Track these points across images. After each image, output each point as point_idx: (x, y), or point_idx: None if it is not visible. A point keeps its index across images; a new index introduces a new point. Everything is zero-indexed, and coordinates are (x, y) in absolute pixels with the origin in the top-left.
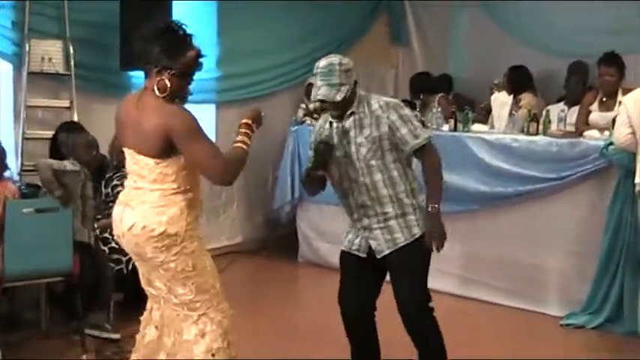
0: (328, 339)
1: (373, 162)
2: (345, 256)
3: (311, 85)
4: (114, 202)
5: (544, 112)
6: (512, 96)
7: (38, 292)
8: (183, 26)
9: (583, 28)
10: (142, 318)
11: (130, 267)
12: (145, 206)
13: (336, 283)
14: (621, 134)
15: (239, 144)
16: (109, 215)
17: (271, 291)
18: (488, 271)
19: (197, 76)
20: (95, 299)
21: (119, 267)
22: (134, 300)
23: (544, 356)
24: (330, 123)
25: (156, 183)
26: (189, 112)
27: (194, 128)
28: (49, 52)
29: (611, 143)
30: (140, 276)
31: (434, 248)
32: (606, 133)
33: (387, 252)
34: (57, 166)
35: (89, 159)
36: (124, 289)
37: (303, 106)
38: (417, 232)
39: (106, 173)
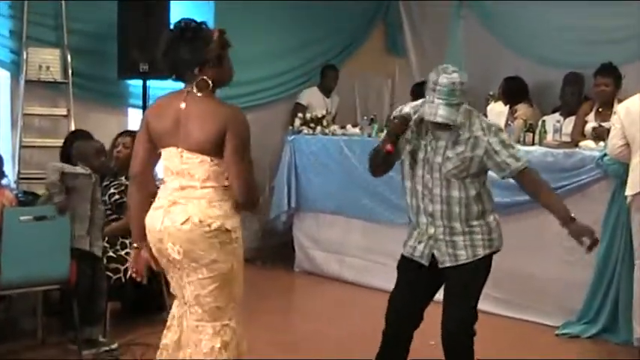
0: (325, 348)
1: (454, 179)
2: (405, 261)
3: (299, 104)
4: (111, 209)
5: (540, 123)
6: (508, 106)
7: (35, 301)
8: (189, 20)
9: (578, 40)
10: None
11: (128, 276)
12: (200, 201)
13: (331, 291)
14: (615, 145)
15: None
16: (107, 222)
17: (267, 300)
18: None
19: None
20: (90, 312)
21: (117, 276)
22: (131, 309)
23: None
24: (422, 120)
25: (209, 180)
26: (244, 116)
27: (247, 140)
28: (47, 61)
29: (606, 154)
30: (171, 281)
31: (587, 245)
32: (601, 143)
33: (448, 264)
34: (69, 169)
35: (99, 165)
36: (121, 297)
37: (300, 115)
38: (480, 252)
39: (104, 180)
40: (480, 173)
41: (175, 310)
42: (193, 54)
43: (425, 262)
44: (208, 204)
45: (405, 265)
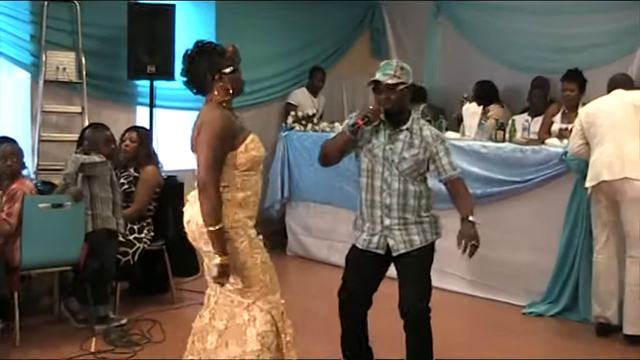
0: (315, 323)
1: (408, 177)
2: (355, 252)
3: (289, 104)
4: (121, 198)
5: (510, 122)
6: (481, 107)
7: (52, 280)
8: (204, 40)
9: (545, 47)
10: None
11: (136, 258)
12: (197, 204)
13: (320, 273)
14: (575, 145)
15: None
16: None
17: None
18: (459, 264)
19: None
20: (100, 292)
21: (126, 258)
22: (138, 289)
23: (508, 341)
24: (380, 122)
25: None
26: (223, 116)
27: (209, 129)
28: (63, 63)
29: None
30: (204, 264)
31: (464, 249)
32: (565, 141)
33: (402, 251)
34: (87, 160)
35: (109, 152)
36: (129, 278)
37: (293, 113)
38: (429, 237)
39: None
40: (425, 173)
41: (209, 290)
42: (210, 67)
43: (381, 251)
44: None
45: (357, 255)
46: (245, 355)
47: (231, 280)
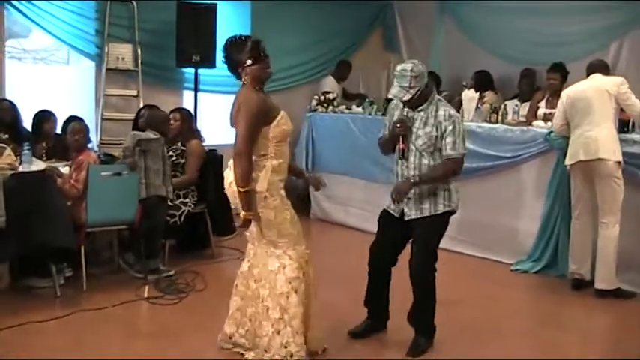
0: (334, 276)
1: (424, 151)
2: (384, 214)
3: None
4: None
5: (502, 106)
6: (478, 93)
7: (111, 237)
8: (239, 35)
9: (533, 42)
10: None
11: (182, 219)
12: None
13: (340, 235)
14: (557, 124)
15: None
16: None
17: None
18: (457, 228)
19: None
20: (152, 248)
21: (173, 220)
22: (184, 245)
23: (498, 293)
24: (403, 107)
25: None
26: (257, 99)
27: (245, 109)
28: (122, 53)
29: (552, 132)
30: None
31: (392, 197)
32: (549, 123)
33: (413, 217)
34: (143, 136)
35: (166, 130)
36: (176, 236)
37: (316, 97)
38: (440, 209)
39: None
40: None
41: (249, 244)
42: (240, 56)
43: (397, 215)
44: None
45: (385, 216)
46: (276, 296)
47: (267, 232)
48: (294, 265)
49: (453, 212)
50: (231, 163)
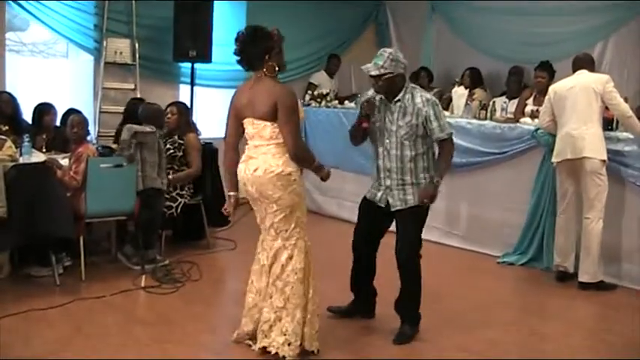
0: (327, 267)
1: (406, 141)
2: (366, 202)
3: (311, 83)
4: (167, 161)
5: (491, 103)
6: (467, 90)
7: (109, 227)
8: (254, 26)
9: (521, 42)
10: (258, 244)
11: (179, 211)
12: (266, 155)
13: (330, 227)
14: (544, 120)
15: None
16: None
17: None
18: (446, 221)
19: (231, 67)
20: (149, 238)
21: (170, 211)
22: (180, 235)
23: (485, 284)
24: (381, 99)
25: (272, 139)
26: (292, 93)
27: (291, 108)
28: (120, 48)
29: (539, 128)
30: (256, 214)
31: (423, 202)
32: (536, 120)
33: (398, 207)
34: (140, 128)
35: (161, 123)
36: (173, 227)
37: (310, 92)
38: None
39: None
40: (424, 136)
41: (262, 234)
42: (262, 47)
43: (382, 205)
44: (272, 156)
45: (366, 204)
46: (284, 286)
47: (281, 224)
48: (301, 257)
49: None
50: (254, 152)
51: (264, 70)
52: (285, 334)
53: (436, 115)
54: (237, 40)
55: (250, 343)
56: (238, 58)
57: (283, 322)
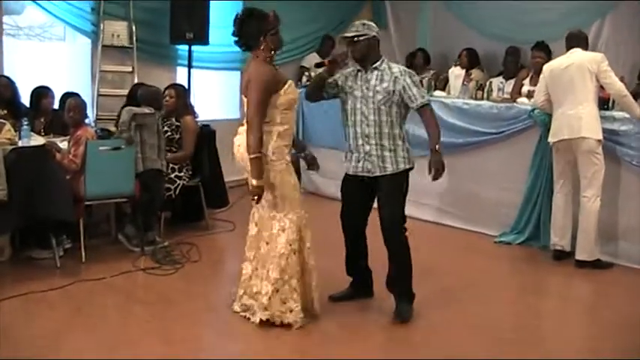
0: (325, 246)
1: (383, 107)
2: (348, 180)
3: (303, 67)
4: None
5: (488, 84)
6: (464, 70)
7: (109, 209)
8: (250, 7)
9: (518, 22)
10: (250, 218)
11: (177, 193)
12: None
13: (329, 207)
14: (539, 99)
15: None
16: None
17: None
18: (443, 200)
19: (227, 49)
20: (149, 220)
21: (169, 193)
22: (179, 217)
23: (482, 263)
24: (358, 71)
25: None
26: (268, 72)
27: (257, 82)
28: (118, 31)
29: (536, 108)
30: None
31: (434, 176)
32: (532, 100)
33: (378, 174)
34: (139, 110)
35: (160, 105)
36: (172, 209)
37: (307, 74)
38: (402, 166)
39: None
40: (399, 104)
41: (253, 208)
42: (258, 28)
43: (364, 174)
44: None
45: (348, 182)
46: (277, 257)
47: (269, 196)
48: (293, 228)
49: (411, 168)
50: (242, 129)
51: (261, 49)
52: (285, 302)
53: (414, 82)
54: (234, 21)
55: (248, 315)
56: (236, 39)
57: (282, 291)
